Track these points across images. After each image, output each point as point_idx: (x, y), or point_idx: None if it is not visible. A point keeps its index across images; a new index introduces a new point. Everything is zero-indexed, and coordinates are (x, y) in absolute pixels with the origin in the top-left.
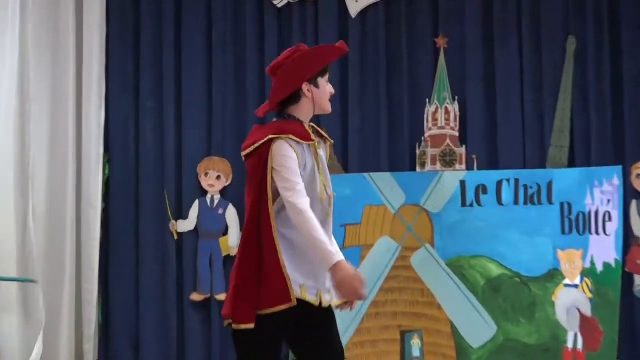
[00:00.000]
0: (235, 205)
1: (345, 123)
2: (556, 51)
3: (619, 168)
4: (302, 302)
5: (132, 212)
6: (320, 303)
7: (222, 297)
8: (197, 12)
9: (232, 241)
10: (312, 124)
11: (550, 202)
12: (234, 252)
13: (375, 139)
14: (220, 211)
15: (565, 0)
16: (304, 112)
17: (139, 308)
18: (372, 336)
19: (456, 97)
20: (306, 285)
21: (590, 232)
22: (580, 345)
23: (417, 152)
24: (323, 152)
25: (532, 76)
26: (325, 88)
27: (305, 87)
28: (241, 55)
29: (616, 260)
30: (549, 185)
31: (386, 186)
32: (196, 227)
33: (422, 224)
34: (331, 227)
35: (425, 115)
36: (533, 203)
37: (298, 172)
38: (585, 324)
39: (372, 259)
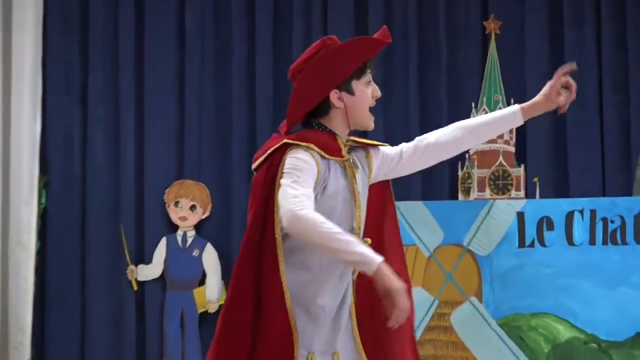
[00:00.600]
0: (215, 245)
1: (361, 135)
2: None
3: None
4: None
5: (76, 254)
6: None
7: None
8: None
9: (210, 293)
10: (353, 137)
11: (638, 241)
12: (213, 308)
13: None
14: (195, 253)
15: None
16: (336, 124)
17: None
18: None
19: (512, 101)
20: (317, 351)
21: None
22: None
23: (459, 174)
24: (363, 177)
25: (614, 71)
26: (365, 93)
27: (334, 95)
28: (224, 45)
29: None
30: (637, 218)
31: (418, 220)
32: (163, 275)
33: (466, 270)
34: (345, 288)
35: None
36: (615, 243)
37: (310, 183)
38: None
39: None
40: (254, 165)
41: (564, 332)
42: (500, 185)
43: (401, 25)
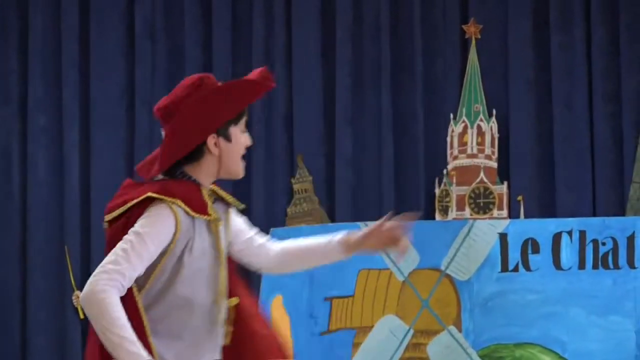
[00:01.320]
0: None
1: (331, 150)
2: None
3: None
4: None
5: (16, 278)
6: None
7: None
8: None
9: None
10: (213, 186)
11: (631, 265)
12: None
13: (374, 173)
14: None
15: None
16: (204, 172)
17: None
18: None
19: (494, 112)
20: None
21: None
22: None
23: (437, 192)
24: (226, 232)
25: (604, 81)
26: (240, 139)
27: (211, 140)
28: (178, 48)
29: None
30: (630, 240)
31: None
32: None
33: (444, 296)
34: (220, 342)
35: (449, 138)
36: (607, 267)
37: (145, 256)
38: None
39: (371, 348)
40: (108, 217)
41: None
42: (481, 204)
43: (372, 26)
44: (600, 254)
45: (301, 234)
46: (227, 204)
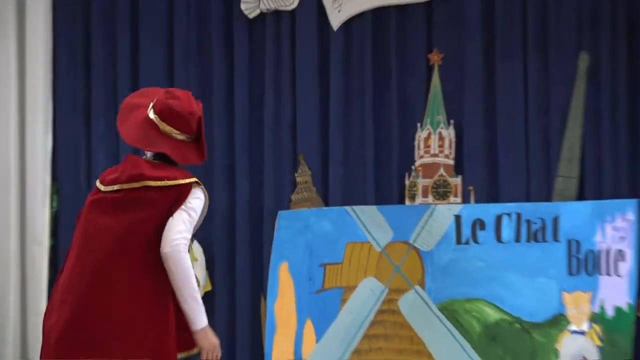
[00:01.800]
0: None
1: (325, 150)
2: (567, 69)
3: (634, 202)
4: None
5: None
6: None
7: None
8: (156, 22)
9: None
10: None
11: (556, 239)
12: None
13: (359, 168)
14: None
15: (578, 12)
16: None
17: None
18: None
19: (451, 121)
20: None
21: (600, 273)
22: None
23: (407, 183)
24: None
25: (538, 97)
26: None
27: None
28: (207, 71)
29: (629, 305)
30: (555, 220)
31: (371, 221)
32: None
33: (412, 263)
34: None
35: (416, 142)
36: (537, 240)
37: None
38: None
39: (355, 303)
40: (158, 184)
41: (493, 315)
42: (441, 192)
43: (358, 58)
44: (532, 231)
45: (302, 215)
46: None
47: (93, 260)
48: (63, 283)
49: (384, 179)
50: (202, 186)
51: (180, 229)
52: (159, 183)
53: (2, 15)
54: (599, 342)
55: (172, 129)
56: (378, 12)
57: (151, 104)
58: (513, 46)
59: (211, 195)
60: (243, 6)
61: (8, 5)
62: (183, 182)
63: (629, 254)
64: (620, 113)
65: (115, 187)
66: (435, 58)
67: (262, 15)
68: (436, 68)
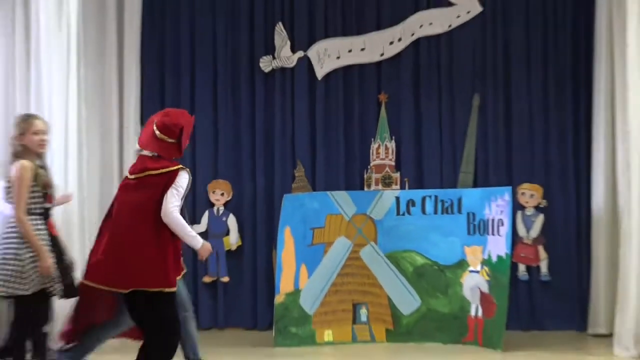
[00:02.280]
0: (234, 214)
1: (314, 156)
2: (466, 105)
3: (509, 188)
4: None
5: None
6: None
7: (225, 279)
8: (205, 70)
9: (232, 240)
10: None
11: (460, 212)
12: (233, 247)
13: (335, 167)
14: (224, 218)
15: (472, 66)
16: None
17: None
18: (332, 307)
19: (393, 137)
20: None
21: (488, 234)
22: (480, 314)
23: (365, 176)
24: None
25: (448, 122)
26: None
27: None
28: (237, 103)
29: (506, 254)
30: (459, 200)
31: (343, 201)
32: (207, 230)
33: (369, 227)
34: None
35: (371, 150)
36: (448, 213)
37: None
38: (484, 298)
39: (333, 253)
40: (155, 172)
41: (420, 260)
42: (387, 182)
43: (335, 97)
44: (445, 207)
45: (299, 197)
46: None
47: (121, 221)
48: (104, 234)
49: (350, 174)
50: (187, 170)
51: (172, 201)
52: (156, 172)
53: (107, 39)
54: (487, 278)
55: (163, 136)
56: (347, 68)
57: (155, 120)
58: (431, 90)
59: (240, 185)
60: (261, 64)
61: (108, 35)
62: (172, 169)
63: (506, 221)
64: (499, 131)
65: (133, 177)
66: (382, 97)
67: (273, 70)
68: (383, 104)
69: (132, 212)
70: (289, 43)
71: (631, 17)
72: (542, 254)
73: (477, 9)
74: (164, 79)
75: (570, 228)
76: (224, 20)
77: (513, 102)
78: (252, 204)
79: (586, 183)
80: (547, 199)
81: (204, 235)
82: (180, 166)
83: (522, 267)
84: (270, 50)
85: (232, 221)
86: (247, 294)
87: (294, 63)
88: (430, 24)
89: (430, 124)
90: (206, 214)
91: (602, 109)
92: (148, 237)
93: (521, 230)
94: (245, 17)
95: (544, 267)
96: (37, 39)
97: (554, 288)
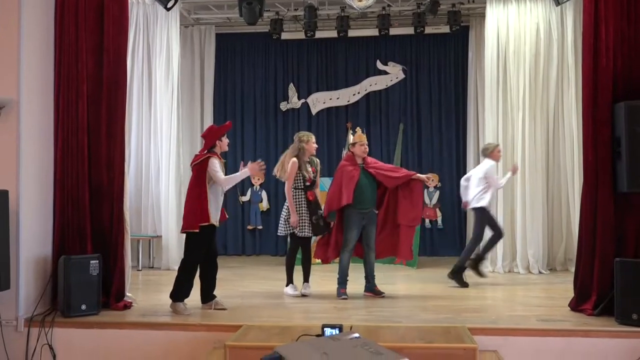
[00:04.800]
0: (266, 190)
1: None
2: (395, 129)
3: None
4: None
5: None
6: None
7: (260, 227)
8: (249, 108)
9: (264, 205)
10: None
11: None
12: (265, 209)
13: (321, 160)
14: (259, 192)
15: (399, 107)
16: (217, 151)
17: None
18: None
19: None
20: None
21: None
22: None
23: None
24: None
25: (385, 139)
26: (224, 142)
27: (217, 141)
28: (267, 130)
29: None
30: None
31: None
32: (250, 199)
33: None
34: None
35: (343, 155)
36: None
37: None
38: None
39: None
40: (199, 159)
41: None
42: None
43: (322, 127)
44: None
45: None
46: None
47: (189, 183)
48: None
49: (333, 167)
50: (215, 155)
51: (215, 172)
52: (199, 159)
53: (194, 91)
54: None
55: (204, 140)
56: (329, 109)
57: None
58: (376, 121)
59: (268, 175)
60: (281, 106)
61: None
62: (206, 157)
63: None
64: (414, 145)
65: (194, 163)
66: (349, 125)
67: (287, 110)
68: (349, 129)
69: (193, 179)
70: (296, 94)
71: (487, 81)
72: (438, 213)
73: (402, 76)
74: (226, 114)
75: (453, 199)
76: (261, 79)
77: (422, 127)
78: (275, 185)
79: (463, 173)
80: (441, 182)
81: (247, 203)
82: (209, 155)
83: (427, 221)
84: (285, 98)
85: (264, 194)
86: (272, 236)
87: (299, 106)
88: (376, 84)
89: (375, 140)
90: (249, 190)
91: (472, 130)
92: (194, 192)
93: (426, 200)
94: (272, 79)
95: (439, 220)
96: (155, 94)
97: (444, 232)
